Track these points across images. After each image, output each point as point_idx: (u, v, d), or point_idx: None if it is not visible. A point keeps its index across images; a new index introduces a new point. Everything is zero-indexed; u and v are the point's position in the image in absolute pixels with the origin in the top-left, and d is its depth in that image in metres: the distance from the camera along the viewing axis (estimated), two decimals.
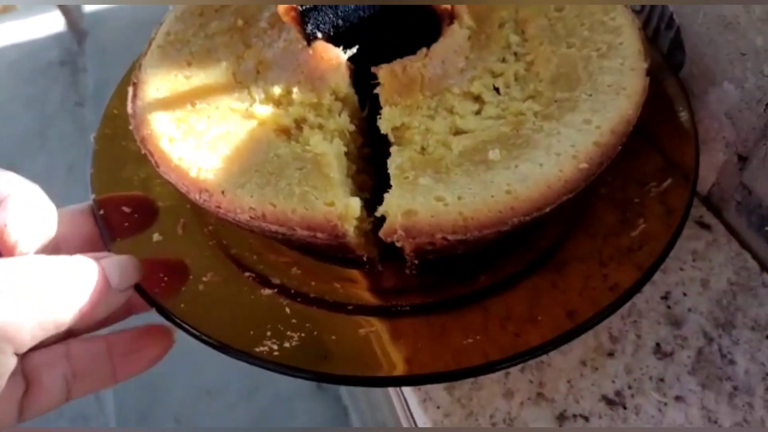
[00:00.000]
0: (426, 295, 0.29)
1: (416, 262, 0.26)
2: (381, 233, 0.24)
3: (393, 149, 0.27)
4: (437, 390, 0.29)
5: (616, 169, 0.32)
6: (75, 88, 1.93)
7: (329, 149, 0.26)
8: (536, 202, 0.24)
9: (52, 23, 2.11)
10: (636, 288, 0.27)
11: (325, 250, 0.27)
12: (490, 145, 0.26)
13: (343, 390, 1.09)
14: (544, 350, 0.26)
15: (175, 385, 1.23)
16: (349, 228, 0.24)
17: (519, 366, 0.30)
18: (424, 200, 0.24)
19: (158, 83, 0.30)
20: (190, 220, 0.32)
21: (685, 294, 0.32)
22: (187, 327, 0.26)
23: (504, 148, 0.26)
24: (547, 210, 0.25)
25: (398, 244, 0.24)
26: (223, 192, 0.25)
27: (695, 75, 0.35)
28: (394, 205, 0.24)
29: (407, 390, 0.30)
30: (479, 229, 0.24)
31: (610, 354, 0.30)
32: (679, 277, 0.32)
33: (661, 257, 0.28)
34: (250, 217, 0.25)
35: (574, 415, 0.28)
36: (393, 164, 0.26)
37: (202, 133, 0.28)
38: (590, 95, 0.28)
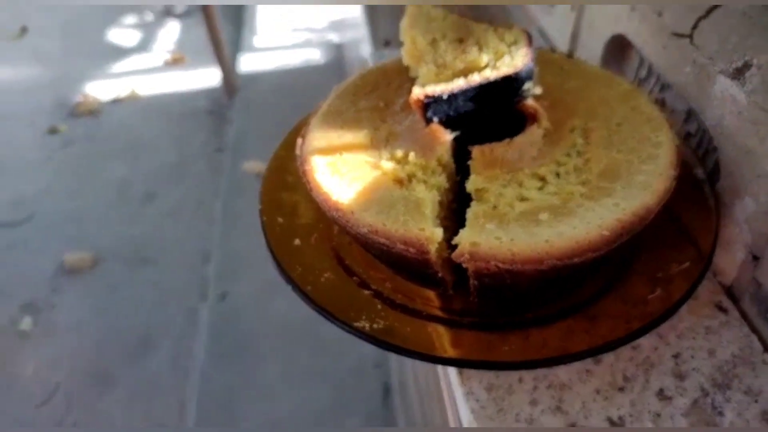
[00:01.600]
0: (482, 318, 0.39)
1: (476, 283, 0.36)
2: (453, 255, 0.35)
3: (472, 204, 0.38)
4: (479, 389, 0.38)
5: (653, 253, 0.41)
6: (217, 135, 2.20)
7: (427, 196, 0.38)
8: (566, 252, 0.34)
9: (209, 77, 2.44)
10: (642, 331, 0.36)
11: (413, 264, 0.38)
12: (542, 211, 0.36)
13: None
14: (563, 361, 0.35)
15: (251, 412, 1.34)
16: (432, 248, 0.35)
17: (546, 384, 0.38)
18: (486, 237, 0.35)
19: (319, 137, 0.43)
20: (320, 236, 0.44)
21: (692, 356, 0.39)
22: (310, 302, 0.38)
23: (552, 213, 0.36)
24: (576, 261, 0.34)
25: (464, 265, 0.35)
26: (352, 212, 0.37)
27: (726, 189, 0.43)
28: (465, 237, 0.35)
29: (455, 386, 0.39)
30: (522, 263, 0.34)
31: (621, 389, 0.38)
32: (690, 343, 0.40)
33: (667, 313, 0.37)
34: (368, 231, 0.36)
35: (582, 426, 0.36)
36: (470, 212, 0.37)
37: (344, 174, 0.40)
38: (624, 188, 0.37)
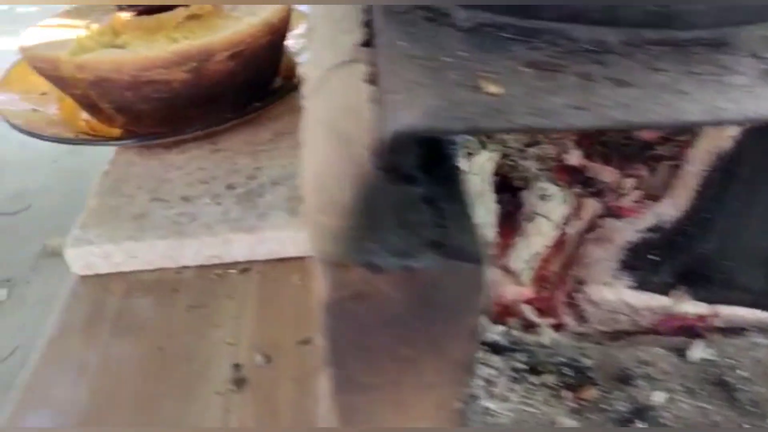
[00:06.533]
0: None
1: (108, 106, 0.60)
2: (62, 62, 0.63)
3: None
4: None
5: None
6: None
7: (83, 39, 0.62)
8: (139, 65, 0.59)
9: None
10: None
11: (80, 97, 0.62)
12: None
13: None
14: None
15: None
16: (61, 65, 0.59)
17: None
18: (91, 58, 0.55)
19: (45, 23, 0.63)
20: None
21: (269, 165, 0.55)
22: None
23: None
24: (148, 74, 0.56)
25: (79, 76, 0.62)
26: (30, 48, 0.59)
27: None
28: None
29: None
30: (108, 71, 0.56)
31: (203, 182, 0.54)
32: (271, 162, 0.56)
33: None
34: (36, 60, 0.61)
35: None
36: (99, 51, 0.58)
37: (51, 37, 0.60)
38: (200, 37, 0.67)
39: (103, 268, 0.52)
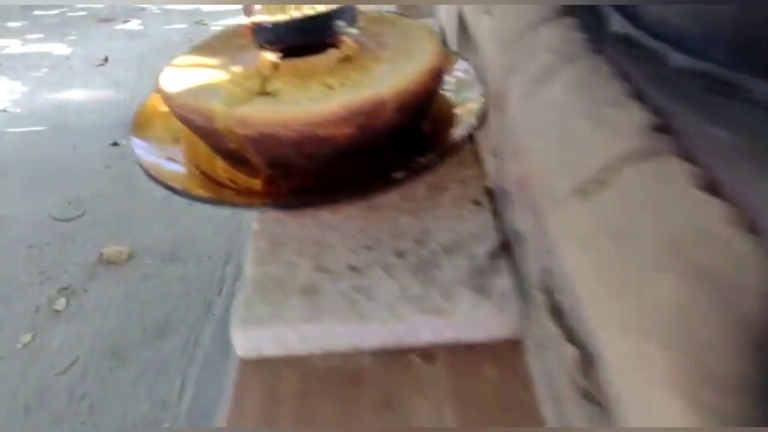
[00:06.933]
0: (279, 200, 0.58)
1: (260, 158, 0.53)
2: (224, 118, 0.51)
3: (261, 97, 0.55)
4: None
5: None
6: None
7: (227, 86, 0.57)
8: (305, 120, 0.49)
9: None
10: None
11: (230, 151, 0.54)
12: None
13: None
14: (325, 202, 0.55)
15: None
16: (216, 118, 0.52)
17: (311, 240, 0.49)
18: (253, 109, 0.52)
19: (180, 61, 0.56)
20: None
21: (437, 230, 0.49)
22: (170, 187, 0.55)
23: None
24: (317, 131, 0.49)
25: (238, 131, 0.51)
26: (173, 96, 0.57)
27: None
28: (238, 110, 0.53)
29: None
30: (274, 127, 0.49)
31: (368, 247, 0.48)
32: (439, 223, 0.50)
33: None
34: (180, 109, 0.55)
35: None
36: (256, 101, 0.55)
37: (188, 77, 0.60)
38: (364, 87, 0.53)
39: (271, 351, 0.46)
